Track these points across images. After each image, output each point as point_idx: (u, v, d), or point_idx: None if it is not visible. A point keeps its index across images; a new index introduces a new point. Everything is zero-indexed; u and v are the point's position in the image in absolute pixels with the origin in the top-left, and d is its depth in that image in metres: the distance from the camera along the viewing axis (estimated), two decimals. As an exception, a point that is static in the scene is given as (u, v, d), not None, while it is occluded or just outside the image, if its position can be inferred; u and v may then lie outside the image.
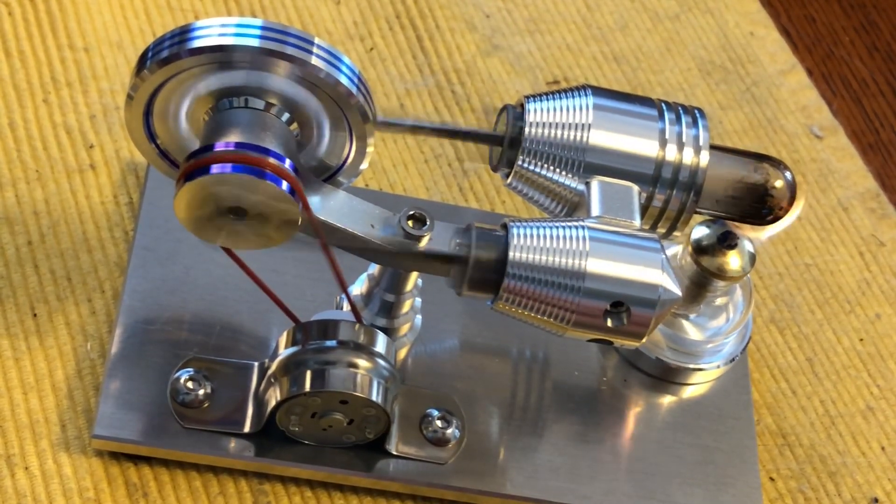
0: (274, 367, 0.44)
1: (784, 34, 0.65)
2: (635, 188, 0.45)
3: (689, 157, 0.45)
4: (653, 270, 0.43)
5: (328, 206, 0.43)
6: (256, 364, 0.46)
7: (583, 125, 0.45)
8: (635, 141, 0.45)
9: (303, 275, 0.49)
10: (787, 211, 0.47)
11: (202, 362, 0.46)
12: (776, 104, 0.62)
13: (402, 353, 0.49)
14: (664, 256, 0.43)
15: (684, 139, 0.45)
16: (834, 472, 0.52)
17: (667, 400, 0.51)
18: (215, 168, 0.40)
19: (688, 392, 0.51)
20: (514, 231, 0.43)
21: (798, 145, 0.61)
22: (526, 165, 0.45)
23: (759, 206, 0.47)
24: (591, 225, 0.43)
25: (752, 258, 0.49)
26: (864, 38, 0.67)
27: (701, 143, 0.45)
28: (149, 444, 0.45)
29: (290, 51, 0.40)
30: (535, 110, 0.45)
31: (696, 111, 0.46)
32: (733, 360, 0.51)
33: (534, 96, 0.45)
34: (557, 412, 0.49)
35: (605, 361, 0.51)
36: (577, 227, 0.43)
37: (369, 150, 0.44)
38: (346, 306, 0.46)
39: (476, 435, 0.48)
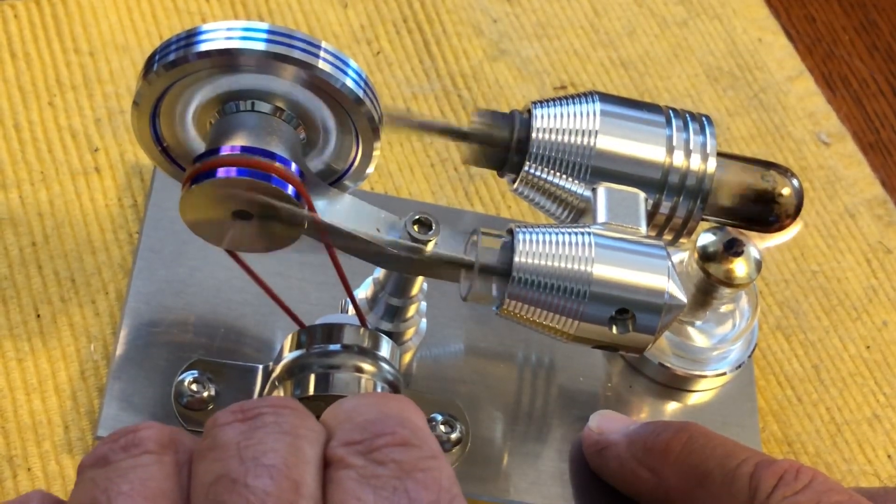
0: (278, 370, 0.44)
1: (784, 34, 0.65)
2: (642, 195, 0.45)
3: (696, 163, 0.45)
4: (658, 277, 0.42)
5: (334, 209, 0.43)
6: (261, 367, 0.46)
7: (590, 131, 0.44)
8: (642, 147, 0.45)
9: (308, 278, 0.49)
10: (793, 219, 0.47)
11: (206, 364, 0.46)
12: (784, 111, 0.62)
13: (407, 358, 0.49)
14: (670, 263, 0.43)
15: (691, 146, 0.45)
16: (839, 480, 0.51)
17: (672, 406, 0.51)
18: (221, 172, 0.40)
19: (693, 399, 0.51)
20: (520, 236, 0.43)
21: (805, 152, 0.61)
22: (532, 171, 0.45)
23: (766, 213, 0.47)
24: (596, 231, 0.43)
25: (759, 265, 0.49)
26: (864, 38, 0.67)
27: (708, 150, 0.45)
28: (152, 447, 0.45)
29: (296, 55, 0.40)
30: (542, 116, 0.45)
31: (703, 118, 0.46)
32: (739, 367, 0.51)
33: (541, 102, 0.45)
34: (562, 418, 0.49)
35: (610, 367, 0.51)
36: (582, 234, 0.43)
37: (375, 153, 0.44)
38: (351, 310, 0.46)
39: (480, 440, 0.47)
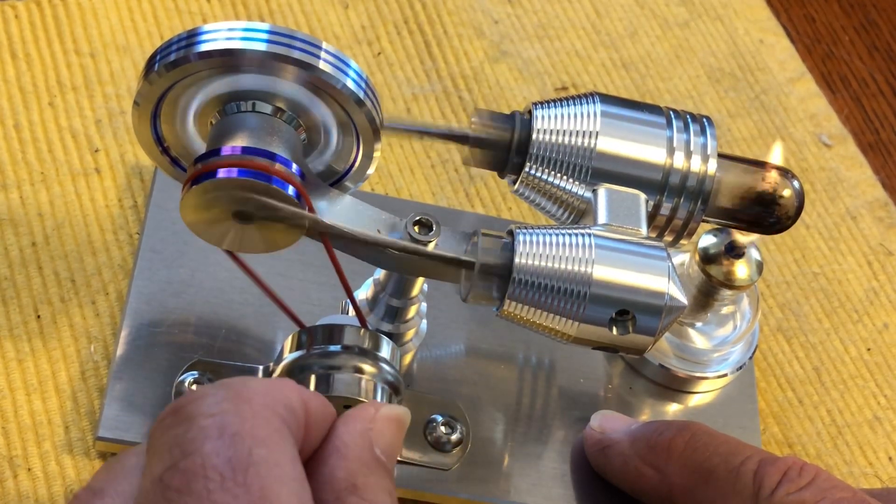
0: (278, 370, 0.43)
1: (786, 36, 0.65)
2: (642, 196, 0.45)
3: (696, 165, 0.45)
4: (659, 279, 0.42)
5: (334, 210, 0.43)
6: (261, 367, 0.46)
7: (590, 132, 0.44)
8: (643, 148, 0.45)
9: (308, 279, 0.49)
10: (794, 220, 0.46)
11: (207, 365, 0.46)
12: (785, 112, 0.62)
13: (408, 359, 0.49)
14: (671, 265, 0.43)
15: (692, 147, 0.45)
16: (840, 482, 0.51)
17: (672, 408, 0.51)
18: (222, 172, 0.40)
19: (693, 400, 0.51)
20: (521, 237, 0.43)
21: (806, 153, 0.61)
22: (533, 172, 0.45)
23: (766, 214, 0.46)
24: (597, 233, 0.43)
25: (760, 267, 0.49)
26: (864, 38, 0.67)
27: (709, 151, 0.45)
28: (152, 447, 0.45)
29: (297, 55, 0.40)
30: (543, 117, 0.45)
31: (704, 119, 0.46)
32: (740, 368, 0.51)
33: (542, 103, 0.45)
34: (562, 419, 0.49)
35: (610, 369, 0.51)
36: (583, 235, 0.43)
37: (376, 154, 0.44)
38: (352, 311, 0.46)
39: (480, 441, 0.47)
